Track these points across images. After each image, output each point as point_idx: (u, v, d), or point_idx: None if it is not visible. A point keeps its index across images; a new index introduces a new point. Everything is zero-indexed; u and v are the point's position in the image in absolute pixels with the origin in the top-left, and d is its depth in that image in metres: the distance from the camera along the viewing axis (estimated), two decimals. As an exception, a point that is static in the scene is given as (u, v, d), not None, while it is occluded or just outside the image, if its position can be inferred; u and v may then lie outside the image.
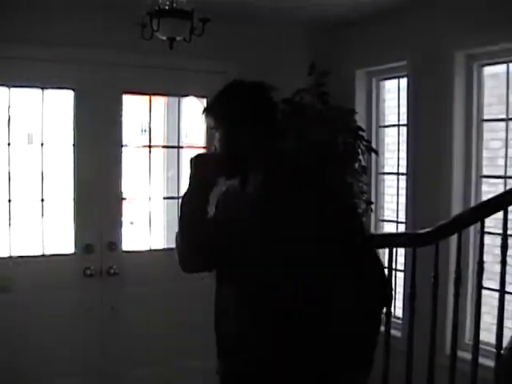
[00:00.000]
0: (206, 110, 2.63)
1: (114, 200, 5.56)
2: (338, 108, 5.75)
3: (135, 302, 5.49)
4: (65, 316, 5.28)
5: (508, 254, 3.61)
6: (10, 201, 5.25)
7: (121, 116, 5.62)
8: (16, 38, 5.01)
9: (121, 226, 5.62)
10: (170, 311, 5.56)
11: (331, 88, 5.82)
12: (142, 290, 5.49)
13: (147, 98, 5.83)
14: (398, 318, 5.38)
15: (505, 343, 3.56)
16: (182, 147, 6.07)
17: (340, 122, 5.68)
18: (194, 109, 6.13)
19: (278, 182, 2.50)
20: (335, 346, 2.40)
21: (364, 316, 2.41)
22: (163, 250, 5.76)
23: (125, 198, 5.62)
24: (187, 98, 6.12)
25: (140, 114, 6.12)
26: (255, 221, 2.51)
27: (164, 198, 6.71)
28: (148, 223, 5.75)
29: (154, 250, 5.80)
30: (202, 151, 5.80)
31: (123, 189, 5.59)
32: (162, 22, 4.43)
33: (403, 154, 5.67)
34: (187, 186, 2.66)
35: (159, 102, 6.75)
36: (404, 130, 5.65)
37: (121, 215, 5.61)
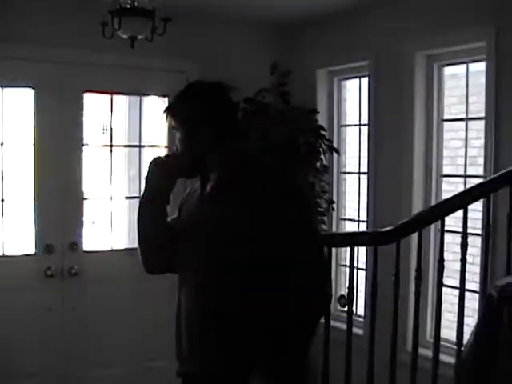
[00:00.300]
0: (167, 110, 2.62)
1: (75, 200, 5.51)
2: (299, 108, 5.77)
3: (97, 303, 5.45)
4: (25, 317, 5.21)
5: (468, 252, 3.66)
6: (-31, 201, 5.19)
7: (82, 115, 5.58)
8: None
9: (82, 226, 5.57)
10: (133, 311, 5.53)
11: (293, 88, 5.83)
12: (104, 290, 5.45)
13: (108, 96, 5.80)
14: (360, 316, 5.41)
15: (465, 340, 3.60)
16: (143, 146, 6.05)
17: (301, 121, 5.69)
18: (155, 108, 6.09)
19: (239, 181, 2.50)
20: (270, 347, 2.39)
21: (293, 328, 2.41)
22: (125, 249, 5.72)
23: (86, 198, 5.58)
24: (149, 97, 6.08)
25: (101, 113, 6.08)
26: (213, 221, 2.51)
27: (126, 198, 6.68)
28: (109, 223, 5.72)
29: (116, 249, 5.77)
30: (163, 153, 5.78)
31: (84, 188, 5.55)
32: (123, 20, 4.40)
33: (364, 154, 5.70)
34: (144, 189, 2.65)
35: (121, 101, 6.71)
36: (365, 129, 5.68)
37: (82, 215, 5.57)
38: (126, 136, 7.47)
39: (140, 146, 6.03)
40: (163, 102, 5.95)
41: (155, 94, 6.02)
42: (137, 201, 5.77)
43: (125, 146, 6.80)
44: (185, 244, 2.60)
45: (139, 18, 4.45)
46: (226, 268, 2.44)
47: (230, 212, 2.46)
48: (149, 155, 5.99)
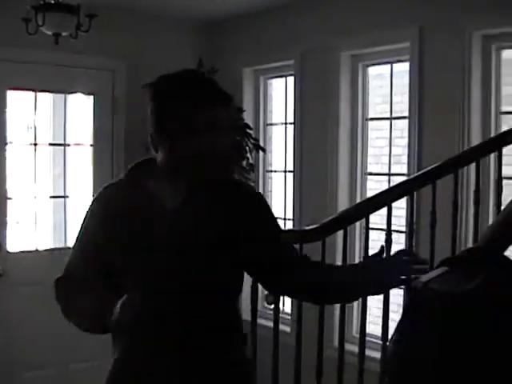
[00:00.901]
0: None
1: (-1, 199, 5.41)
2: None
3: (22, 304, 5.35)
4: None
5: (392, 249, 3.71)
6: None
7: (5, 113, 5.48)
8: None
9: (5, 227, 5.47)
10: (60, 313, 5.45)
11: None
12: (29, 290, 5.35)
13: (33, 94, 5.71)
14: (287, 314, 5.44)
15: (390, 335, 3.66)
16: (68, 145, 5.96)
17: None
18: (81, 106, 6.03)
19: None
20: None
21: None
22: (50, 250, 5.63)
23: (10, 198, 5.47)
24: (74, 94, 6.00)
25: (25, 112, 5.97)
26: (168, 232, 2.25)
27: (50, 197, 6.56)
28: (34, 223, 5.63)
29: (41, 250, 5.67)
30: (88, 151, 5.73)
31: (8, 188, 5.45)
32: (47, 16, 4.34)
33: (290, 152, 5.74)
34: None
35: (45, 98, 6.60)
36: (291, 128, 5.72)
37: (5, 215, 5.47)
38: (50, 134, 7.35)
39: (65, 145, 5.94)
40: (89, 100, 5.89)
41: (81, 92, 5.95)
42: (62, 200, 5.72)
43: (50, 144, 6.69)
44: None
45: (64, 14, 4.40)
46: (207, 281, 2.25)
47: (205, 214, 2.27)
48: (73, 153, 5.92)
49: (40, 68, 5.46)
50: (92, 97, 5.87)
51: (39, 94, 5.84)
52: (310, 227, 3.68)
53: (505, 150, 3.60)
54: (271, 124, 6.18)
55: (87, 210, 2.39)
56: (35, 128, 5.76)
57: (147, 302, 2.14)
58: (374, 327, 4.59)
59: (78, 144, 6.09)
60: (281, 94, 6.06)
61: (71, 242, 5.24)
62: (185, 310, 2.23)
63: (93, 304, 2.24)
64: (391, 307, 3.67)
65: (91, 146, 5.83)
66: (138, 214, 2.26)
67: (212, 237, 2.25)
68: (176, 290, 2.22)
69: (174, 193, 2.27)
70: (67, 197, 5.79)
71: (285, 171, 5.96)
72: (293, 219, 5.64)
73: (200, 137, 2.20)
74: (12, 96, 5.54)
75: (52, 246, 5.91)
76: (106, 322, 2.14)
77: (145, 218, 2.26)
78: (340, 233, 3.83)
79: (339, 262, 3.87)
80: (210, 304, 2.26)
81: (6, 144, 5.48)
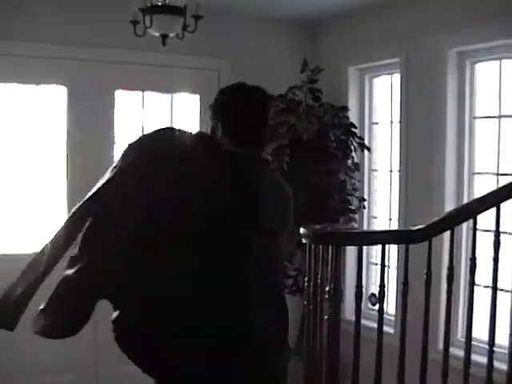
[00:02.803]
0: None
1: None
2: (329, 105, 5.76)
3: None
4: None
5: (501, 251, 3.62)
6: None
7: (113, 113, 5.63)
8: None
9: None
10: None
11: (324, 85, 5.82)
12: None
13: (140, 94, 5.84)
14: (391, 315, 5.39)
15: (497, 340, 3.57)
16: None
17: (331, 118, 5.68)
18: (186, 105, 6.10)
19: None
20: None
21: None
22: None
23: None
24: (179, 94, 6.08)
25: (133, 111, 6.08)
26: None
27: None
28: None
29: None
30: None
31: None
32: (154, 18, 4.42)
33: (396, 151, 5.67)
34: None
35: (152, 98, 6.73)
36: (396, 127, 5.65)
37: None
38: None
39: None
40: (194, 100, 5.97)
41: (186, 92, 6.03)
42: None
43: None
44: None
45: (170, 16, 4.46)
46: None
47: None
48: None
49: (147, 69, 5.58)
50: (197, 96, 5.94)
51: (146, 94, 5.96)
52: (416, 227, 3.63)
53: None
54: (376, 123, 6.12)
55: None
56: (142, 127, 5.87)
57: None
58: (479, 331, 4.48)
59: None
60: (386, 93, 5.99)
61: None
62: None
63: None
64: (498, 311, 3.58)
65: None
66: None
67: None
68: None
69: None
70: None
71: (390, 170, 5.88)
72: (398, 219, 5.56)
73: None
74: (120, 96, 5.68)
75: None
76: None
77: None
78: (446, 233, 3.76)
79: (445, 264, 3.79)
80: None
81: (115, 143, 5.62)
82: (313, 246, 3.52)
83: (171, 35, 4.56)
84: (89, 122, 5.42)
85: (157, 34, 4.52)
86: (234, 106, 2.73)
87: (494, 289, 3.55)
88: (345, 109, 5.87)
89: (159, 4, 4.42)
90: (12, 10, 5.07)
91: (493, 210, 3.54)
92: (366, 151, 5.86)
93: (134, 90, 5.85)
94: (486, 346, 3.60)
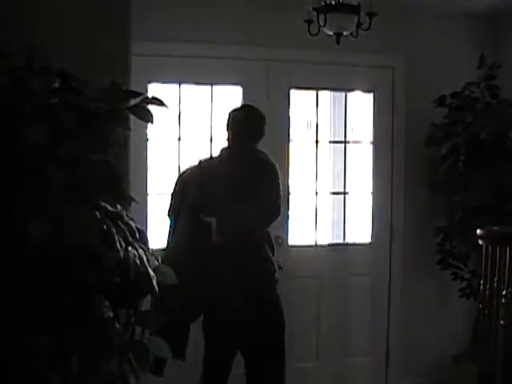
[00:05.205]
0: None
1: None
2: (509, 102, 5.55)
3: (297, 296, 5.43)
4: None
5: None
6: None
7: (288, 111, 5.69)
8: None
9: (287, 221, 5.63)
10: (331, 306, 5.55)
11: (502, 81, 5.61)
12: (305, 283, 5.52)
13: (314, 93, 5.87)
14: None
15: None
16: (348, 142, 6.01)
17: (511, 116, 5.47)
18: (360, 103, 6.08)
19: None
20: None
21: None
22: (329, 245, 5.73)
23: (290, 193, 5.63)
24: (353, 92, 6.06)
25: (306, 109, 6.13)
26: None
27: (331, 193, 6.65)
28: (314, 218, 5.75)
29: (320, 245, 5.70)
30: (368, 149, 5.79)
31: (289, 183, 5.60)
32: (328, 17, 4.43)
33: None
34: None
35: (325, 96, 6.77)
36: None
37: (288, 210, 5.61)
38: (330, 132, 7.51)
39: (345, 142, 6.01)
40: (368, 98, 5.94)
41: (360, 90, 6.01)
42: (341, 197, 5.84)
43: (330, 141, 6.82)
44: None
45: (345, 14, 4.46)
46: None
47: None
48: (353, 151, 5.99)
49: (321, 67, 5.60)
50: (371, 94, 5.90)
51: (320, 92, 5.98)
52: None
53: None
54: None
55: None
56: (317, 126, 5.90)
57: None
58: None
59: (357, 142, 6.14)
60: None
61: (350, 238, 5.35)
62: None
63: None
64: None
65: (371, 143, 5.87)
66: None
67: None
68: None
69: None
70: (347, 193, 5.89)
71: None
72: None
73: None
74: (294, 95, 5.74)
75: (331, 242, 6.02)
76: None
77: None
78: None
79: None
80: None
81: (290, 141, 5.68)
82: (490, 248, 3.42)
83: (345, 33, 4.55)
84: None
85: (331, 33, 4.52)
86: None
87: None
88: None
89: (333, 3, 4.43)
90: (195, 12, 5.25)
91: None
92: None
93: (307, 88, 5.89)
94: None
